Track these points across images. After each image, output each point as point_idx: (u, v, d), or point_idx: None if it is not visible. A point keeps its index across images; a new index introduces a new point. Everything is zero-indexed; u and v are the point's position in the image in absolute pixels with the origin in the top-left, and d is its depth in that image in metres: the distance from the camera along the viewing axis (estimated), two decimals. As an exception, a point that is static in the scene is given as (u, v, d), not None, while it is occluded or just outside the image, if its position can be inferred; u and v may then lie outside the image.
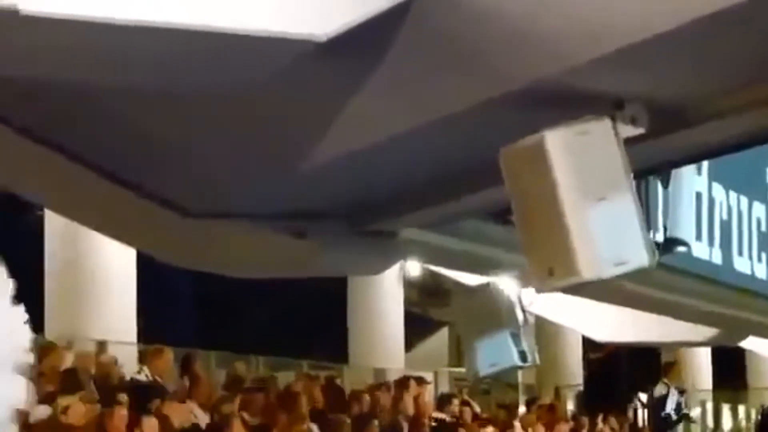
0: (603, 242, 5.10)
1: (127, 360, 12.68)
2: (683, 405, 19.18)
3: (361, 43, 4.43)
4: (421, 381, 15.37)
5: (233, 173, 5.64)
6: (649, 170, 6.83)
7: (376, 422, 13.49)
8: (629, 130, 5.16)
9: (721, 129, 5.78)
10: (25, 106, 5.07)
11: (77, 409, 10.52)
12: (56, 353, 12.04)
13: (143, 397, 11.34)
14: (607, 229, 5.09)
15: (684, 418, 19.33)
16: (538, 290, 6.90)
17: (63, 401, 10.82)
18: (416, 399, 14.79)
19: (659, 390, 18.61)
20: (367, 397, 14.19)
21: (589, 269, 5.09)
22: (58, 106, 4.45)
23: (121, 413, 10.12)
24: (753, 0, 4.30)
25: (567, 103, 5.05)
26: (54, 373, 11.35)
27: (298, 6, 4.26)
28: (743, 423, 22.15)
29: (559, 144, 5.03)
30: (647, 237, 5.31)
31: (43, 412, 10.81)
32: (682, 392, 19.09)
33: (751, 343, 18.03)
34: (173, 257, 5.81)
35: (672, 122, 5.45)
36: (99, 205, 5.94)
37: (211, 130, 5.29)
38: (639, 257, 5.13)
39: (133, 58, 4.22)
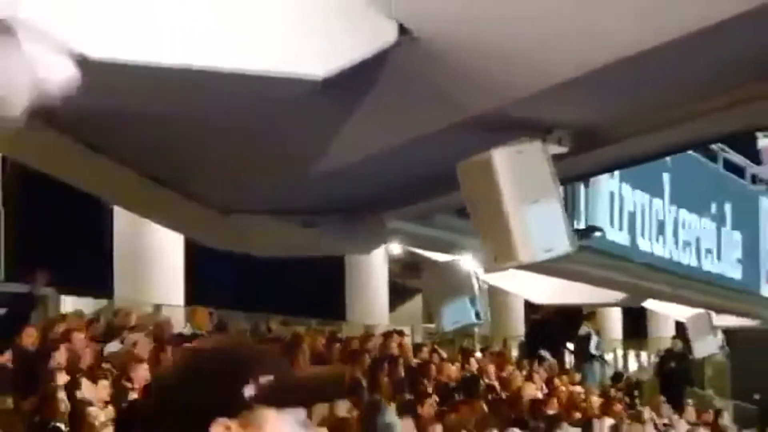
0: (535, 235, 5.18)
1: (176, 319, 12.86)
2: (600, 346, 19.45)
3: (351, 80, 4.42)
4: (401, 333, 15.51)
5: (258, 180, 5.67)
6: (573, 178, 6.77)
7: (367, 356, 13.66)
8: (556, 149, 5.25)
9: (627, 147, 5.88)
10: (105, 132, 4.88)
11: (143, 342, 10.72)
12: (124, 314, 12.28)
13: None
14: (538, 225, 5.17)
15: (600, 358, 19.55)
16: (486, 271, 6.96)
17: (132, 336, 11.05)
18: (398, 346, 14.96)
19: (583, 330, 18.97)
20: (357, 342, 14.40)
21: (524, 255, 5.24)
22: (129, 131, 4.34)
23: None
24: (659, 48, 4.31)
25: (509, 128, 5.13)
26: (123, 329, 11.63)
27: (305, 53, 4.27)
28: (645, 364, 22.14)
29: (502, 159, 5.15)
30: (570, 230, 5.40)
31: (114, 346, 11.03)
32: (598, 333, 19.44)
33: (650, 304, 18.27)
34: (212, 242, 5.78)
35: (589, 143, 5.53)
36: (157, 205, 5.94)
37: (240, 149, 5.23)
38: (563, 246, 5.23)
39: (177, 91, 4.27)
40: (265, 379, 2.00)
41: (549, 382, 16.99)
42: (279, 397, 2.00)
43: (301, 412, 2.04)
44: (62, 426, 9.06)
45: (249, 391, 1.98)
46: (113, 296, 13.88)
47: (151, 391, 2.21)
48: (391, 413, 11.61)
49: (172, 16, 3.95)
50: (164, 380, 2.11)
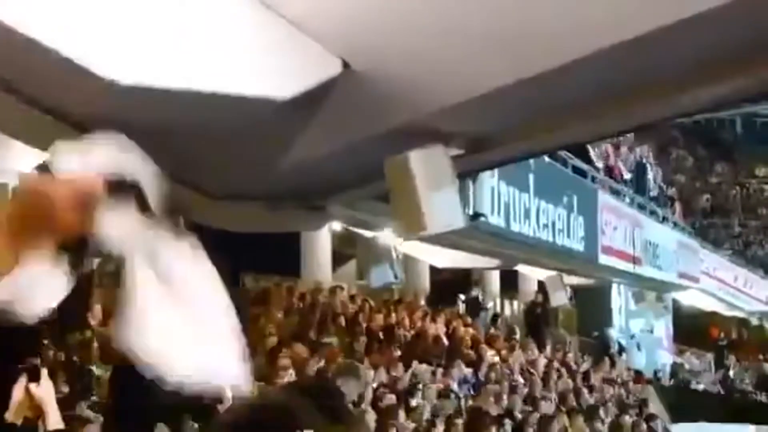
0: (438, 213, 5.20)
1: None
2: (485, 299, 19.77)
3: (304, 101, 4.34)
4: (341, 288, 15.51)
5: (236, 174, 5.60)
6: (466, 174, 6.76)
7: (311, 309, 13.63)
8: (454, 152, 5.24)
9: (506, 151, 5.84)
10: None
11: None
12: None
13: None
14: (441, 207, 5.18)
15: (485, 308, 19.85)
16: (404, 240, 6.93)
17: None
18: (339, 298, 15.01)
19: (474, 291, 19.23)
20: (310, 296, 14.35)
21: (431, 228, 5.22)
22: (137, 135, 4.25)
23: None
24: (532, 79, 4.26)
25: (420, 135, 5.11)
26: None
27: (269, 80, 4.18)
28: (516, 311, 22.38)
29: (416, 159, 5.14)
30: (463, 212, 5.41)
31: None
32: (483, 290, 19.69)
33: (520, 268, 18.47)
34: (203, 221, 5.63)
35: (479, 147, 5.48)
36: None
37: (223, 150, 5.15)
38: (458, 222, 5.22)
39: (177, 107, 4.18)
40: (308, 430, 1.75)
41: (448, 323, 17.07)
42: None
43: None
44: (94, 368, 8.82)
45: None
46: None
47: None
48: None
49: (177, 52, 3.87)
50: None
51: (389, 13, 4.05)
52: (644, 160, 27.56)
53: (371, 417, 10.26)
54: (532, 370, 16.55)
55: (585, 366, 19.45)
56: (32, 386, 4.03)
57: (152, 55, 3.73)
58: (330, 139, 4.99)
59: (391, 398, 11.40)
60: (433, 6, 3.98)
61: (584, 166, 19.47)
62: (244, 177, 5.71)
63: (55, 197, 1.57)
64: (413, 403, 12.00)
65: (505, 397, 14.14)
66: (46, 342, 7.83)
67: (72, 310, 9.57)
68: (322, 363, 11.45)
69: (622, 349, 22.74)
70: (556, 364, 17.88)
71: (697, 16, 3.61)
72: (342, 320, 14.02)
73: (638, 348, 23.98)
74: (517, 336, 18.67)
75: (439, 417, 12.07)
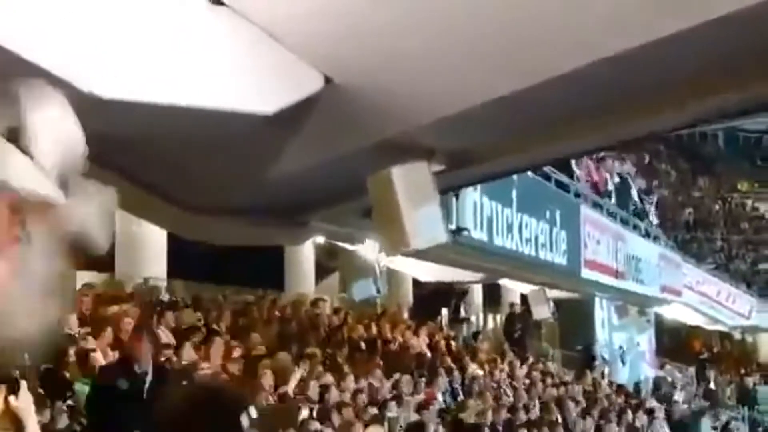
0: (421, 229, 5.17)
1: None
2: (467, 311, 19.75)
3: (288, 115, 4.36)
4: (323, 300, 15.48)
5: (220, 189, 5.58)
6: (448, 189, 6.76)
7: (293, 322, 13.60)
8: (436, 167, 5.23)
9: (489, 167, 5.84)
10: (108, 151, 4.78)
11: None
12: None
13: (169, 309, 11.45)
14: (424, 222, 5.15)
15: (467, 320, 19.82)
16: (387, 256, 6.92)
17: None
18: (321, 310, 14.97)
19: (456, 301, 19.31)
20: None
21: (414, 244, 5.21)
22: (125, 151, 4.22)
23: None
24: (517, 93, 4.29)
25: (403, 151, 5.10)
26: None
27: (255, 95, 4.19)
28: (499, 325, 22.34)
29: (399, 174, 5.12)
30: (446, 227, 5.40)
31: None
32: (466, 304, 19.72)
33: (503, 282, 18.45)
34: (186, 234, 5.61)
35: (462, 163, 5.49)
36: (145, 207, 5.79)
37: (206, 166, 5.14)
38: (441, 237, 5.21)
39: (164, 122, 4.17)
40: (251, 409, 2.02)
41: (431, 337, 17.03)
42: (260, 423, 2.02)
43: None
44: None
45: (244, 419, 2.00)
46: (114, 271, 13.67)
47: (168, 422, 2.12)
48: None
49: (160, 67, 3.86)
50: (178, 414, 2.07)
51: (371, 30, 4.07)
52: (626, 174, 27.66)
53: (358, 428, 10.29)
54: (515, 383, 16.56)
55: (567, 378, 19.46)
56: (11, 399, 4.00)
57: (135, 70, 3.73)
58: (313, 154, 4.99)
59: (370, 409, 11.38)
60: (415, 23, 4.00)
61: (567, 180, 19.52)
62: (228, 191, 5.68)
63: None
64: (389, 414, 11.98)
65: (490, 412, 14.12)
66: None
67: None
68: (304, 373, 11.45)
69: (605, 363, 22.76)
70: (538, 375, 17.89)
71: (678, 34, 3.66)
72: (323, 331, 14.00)
73: (622, 362, 24.01)
74: (506, 347, 18.70)
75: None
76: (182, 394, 2.13)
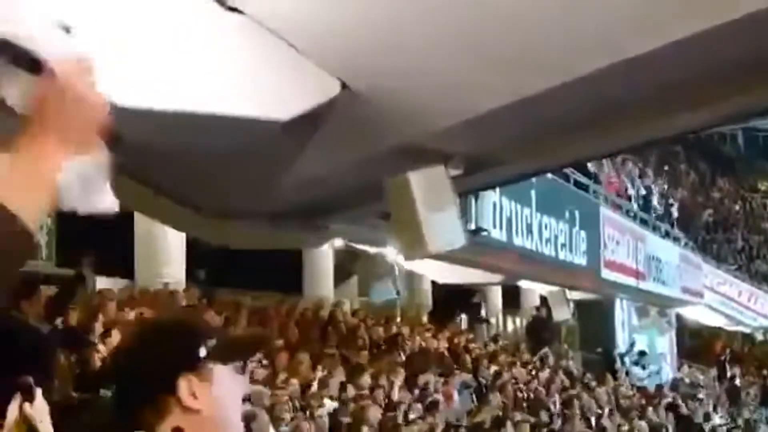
0: (440, 233, 5.14)
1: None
2: (486, 312, 19.76)
3: (305, 121, 4.32)
4: (343, 303, 15.51)
5: (236, 192, 5.57)
6: (467, 192, 6.73)
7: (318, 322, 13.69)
8: (454, 172, 5.19)
9: (507, 171, 5.81)
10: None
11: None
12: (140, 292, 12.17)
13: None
14: (442, 227, 5.14)
15: (486, 321, 19.85)
16: (406, 260, 6.90)
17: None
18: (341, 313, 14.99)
19: (476, 297, 19.40)
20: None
21: (432, 248, 5.18)
22: (142, 157, 4.18)
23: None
24: (533, 97, 4.24)
25: (420, 155, 5.08)
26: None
27: (270, 102, 4.16)
28: (518, 327, 22.39)
29: (416, 179, 5.11)
30: (464, 230, 5.37)
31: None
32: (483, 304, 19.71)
33: (522, 283, 18.43)
34: (204, 238, 5.62)
35: (479, 167, 5.45)
36: (162, 211, 5.81)
37: (223, 171, 5.14)
38: (459, 241, 5.15)
39: (179, 129, 4.11)
40: (211, 341, 1.99)
41: (451, 339, 17.05)
42: (222, 355, 1.99)
43: (238, 365, 2.05)
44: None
45: (202, 351, 1.97)
46: (134, 277, 13.74)
47: (120, 354, 2.19)
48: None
49: (176, 74, 3.84)
50: (133, 345, 2.09)
51: (387, 34, 4.04)
52: (646, 180, 27.55)
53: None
54: (536, 386, 16.50)
55: (589, 381, 19.38)
56: (26, 406, 4.00)
57: (152, 78, 3.71)
58: (330, 159, 4.96)
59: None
60: (431, 26, 3.97)
61: (586, 181, 19.44)
62: (246, 196, 5.65)
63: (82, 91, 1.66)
64: (411, 416, 11.99)
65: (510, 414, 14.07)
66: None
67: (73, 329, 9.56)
68: (325, 372, 11.54)
69: (625, 365, 22.66)
70: (561, 376, 17.84)
71: (702, 33, 3.62)
72: (343, 330, 14.06)
73: (642, 365, 23.88)
74: (522, 348, 18.67)
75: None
76: (138, 327, 2.25)
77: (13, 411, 3.93)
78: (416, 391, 12.82)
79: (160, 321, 2.22)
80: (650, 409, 18.54)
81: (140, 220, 12.94)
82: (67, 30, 1.82)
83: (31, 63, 1.69)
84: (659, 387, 23.58)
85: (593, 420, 15.74)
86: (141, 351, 2.01)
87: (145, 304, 11.69)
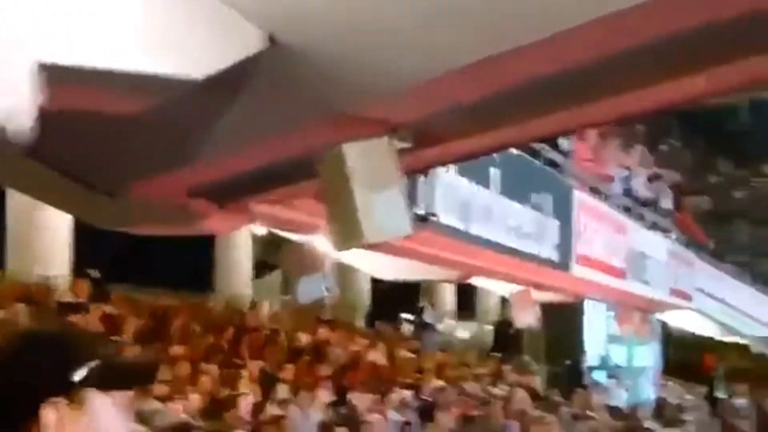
0: (380, 218, 5.18)
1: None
2: (435, 317, 19.94)
3: (224, 81, 4.40)
4: (261, 303, 15.59)
5: (143, 167, 5.63)
6: (415, 170, 6.81)
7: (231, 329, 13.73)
8: (399, 145, 5.27)
9: (463, 145, 5.90)
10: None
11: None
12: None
13: (71, 311, 11.49)
14: (383, 210, 5.18)
15: (434, 327, 20.02)
16: (337, 250, 6.97)
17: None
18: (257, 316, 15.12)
19: (421, 302, 19.50)
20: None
21: (369, 236, 5.23)
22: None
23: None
24: (488, 61, 4.35)
25: (362, 124, 5.13)
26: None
27: (180, 52, 4.26)
28: (475, 335, 22.58)
29: (353, 152, 5.15)
30: (410, 215, 5.45)
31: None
32: (433, 306, 19.85)
33: (479, 281, 18.57)
34: (97, 221, 5.65)
35: (431, 139, 5.55)
36: (46, 187, 5.81)
37: (128, 139, 5.19)
38: (404, 229, 5.27)
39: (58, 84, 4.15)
40: (92, 364, 1.97)
41: (390, 350, 17.17)
42: (103, 381, 1.98)
43: (122, 395, 2.02)
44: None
45: (78, 374, 1.96)
46: (3, 266, 13.66)
47: None
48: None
49: (72, 24, 3.94)
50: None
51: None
52: (631, 157, 27.93)
53: None
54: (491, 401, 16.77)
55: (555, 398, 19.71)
56: None
57: (44, 29, 3.79)
58: (253, 127, 5.01)
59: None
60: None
61: (561, 160, 19.61)
62: (151, 171, 5.69)
63: None
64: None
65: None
66: None
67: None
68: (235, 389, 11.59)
69: (596, 381, 22.96)
70: (522, 393, 18.11)
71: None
72: (260, 337, 14.11)
73: (618, 380, 24.27)
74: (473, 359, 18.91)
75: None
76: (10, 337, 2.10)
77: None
78: (343, 411, 12.91)
79: (29, 330, 2.11)
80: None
81: (15, 197, 12.80)
82: None
83: None
84: (634, 408, 24.03)
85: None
86: (6, 369, 1.98)
87: (14, 300, 11.53)
